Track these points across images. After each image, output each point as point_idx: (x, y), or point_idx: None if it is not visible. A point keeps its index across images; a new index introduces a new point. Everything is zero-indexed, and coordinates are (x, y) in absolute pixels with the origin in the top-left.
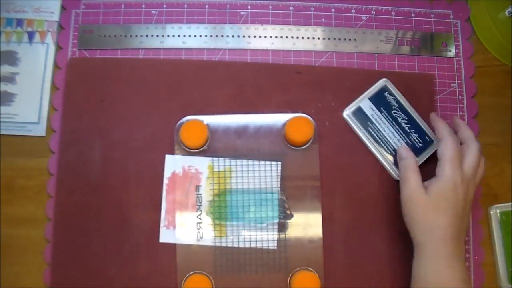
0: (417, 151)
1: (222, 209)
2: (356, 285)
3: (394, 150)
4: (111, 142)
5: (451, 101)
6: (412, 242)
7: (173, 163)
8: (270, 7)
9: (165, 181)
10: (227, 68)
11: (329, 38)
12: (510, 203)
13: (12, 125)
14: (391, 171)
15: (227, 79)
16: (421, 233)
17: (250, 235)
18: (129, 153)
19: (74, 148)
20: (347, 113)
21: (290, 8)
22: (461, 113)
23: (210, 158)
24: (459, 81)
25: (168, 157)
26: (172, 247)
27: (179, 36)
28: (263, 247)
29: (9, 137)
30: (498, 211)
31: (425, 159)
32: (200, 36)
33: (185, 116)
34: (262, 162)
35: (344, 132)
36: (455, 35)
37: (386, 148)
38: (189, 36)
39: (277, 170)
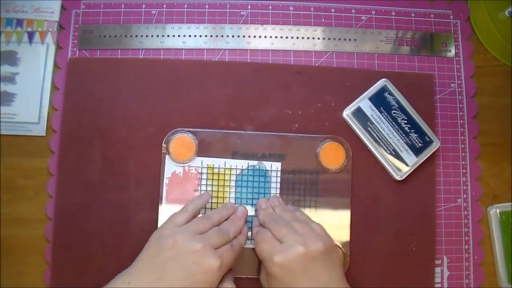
0: (417, 151)
1: None
2: (356, 285)
3: (394, 150)
4: (111, 142)
5: (451, 101)
6: (413, 242)
7: (173, 163)
8: (270, 7)
9: (165, 181)
10: (226, 68)
11: (329, 38)
12: (510, 203)
13: (12, 125)
14: (391, 171)
15: (227, 79)
16: None
17: (250, 236)
18: (129, 153)
19: (74, 148)
20: (347, 113)
21: (290, 8)
22: (461, 113)
23: (211, 159)
24: (459, 81)
25: (168, 157)
26: None
27: (179, 36)
28: None
29: (9, 137)
30: (498, 211)
31: (424, 159)
32: (200, 36)
33: (175, 127)
34: (263, 163)
35: (344, 132)
36: (455, 35)
37: (386, 148)
38: (189, 36)
39: (276, 170)
